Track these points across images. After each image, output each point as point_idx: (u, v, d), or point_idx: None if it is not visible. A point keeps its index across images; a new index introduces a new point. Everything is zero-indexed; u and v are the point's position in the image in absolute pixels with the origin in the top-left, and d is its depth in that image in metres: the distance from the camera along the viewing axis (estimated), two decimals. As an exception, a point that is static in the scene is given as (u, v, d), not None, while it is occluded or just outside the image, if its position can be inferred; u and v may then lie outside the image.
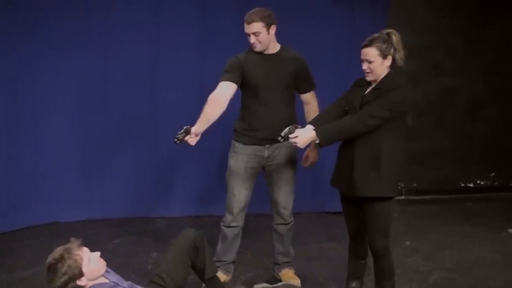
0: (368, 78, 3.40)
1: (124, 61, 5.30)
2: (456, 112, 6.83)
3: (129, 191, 5.51)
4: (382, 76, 3.36)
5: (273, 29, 3.74)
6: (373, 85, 3.41)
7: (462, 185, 6.95)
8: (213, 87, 3.68)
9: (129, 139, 5.42)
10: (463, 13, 6.63)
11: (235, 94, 3.75)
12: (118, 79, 5.33)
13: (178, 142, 3.36)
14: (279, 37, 3.83)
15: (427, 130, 6.72)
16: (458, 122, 6.85)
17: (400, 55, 3.35)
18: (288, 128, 3.39)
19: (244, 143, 3.85)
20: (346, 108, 3.48)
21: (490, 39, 6.77)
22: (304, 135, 3.36)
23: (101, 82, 5.30)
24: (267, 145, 3.85)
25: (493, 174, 7.05)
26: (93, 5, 5.16)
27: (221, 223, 3.97)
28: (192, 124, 3.45)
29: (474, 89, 6.83)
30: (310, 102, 3.97)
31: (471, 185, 6.98)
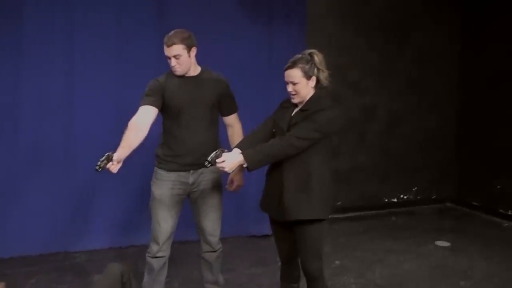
0: (294, 100, 3.33)
1: (37, 85, 5.01)
2: (376, 129, 6.92)
3: (45, 225, 5.19)
4: (308, 97, 3.30)
5: (193, 51, 3.64)
6: (300, 106, 3.33)
7: (386, 200, 7.03)
8: (132, 112, 3.52)
9: (43, 169, 5.12)
10: (379, 32, 6.75)
11: (156, 119, 3.59)
12: (31, 105, 5.03)
13: (99, 169, 3.15)
14: (199, 58, 3.71)
15: (348, 147, 6.77)
16: (378, 138, 6.94)
17: (324, 75, 3.30)
18: (214, 152, 3.27)
19: (168, 170, 3.69)
20: (274, 130, 3.38)
21: (406, 57, 6.92)
22: (231, 159, 3.23)
23: (12, 108, 4.99)
24: (191, 171, 3.71)
25: (415, 188, 7.17)
26: (2, 26, 4.87)
27: (147, 254, 3.78)
28: (114, 151, 3.27)
29: (392, 106, 6.95)
30: (234, 125, 3.87)
31: (395, 199, 7.07)
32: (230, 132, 3.89)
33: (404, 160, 7.07)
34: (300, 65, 3.26)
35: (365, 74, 6.77)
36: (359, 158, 6.84)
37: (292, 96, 3.32)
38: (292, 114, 3.33)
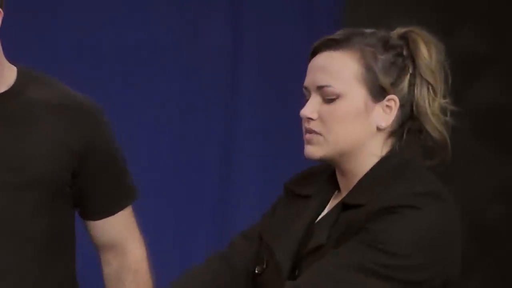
0: (312, 154, 1.17)
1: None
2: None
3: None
4: (368, 160, 1.26)
5: None
6: (345, 194, 1.18)
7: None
8: None
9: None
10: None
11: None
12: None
13: None
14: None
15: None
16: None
17: (434, 108, 1.37)
18: None
19: None
20: (256, 271, 1.19)
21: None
22: None
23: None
24: None
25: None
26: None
27: None
28: None
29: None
30: (120, 250, 1.59)
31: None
32: (107, 269, 1.59)
33: None
34: (361, 45, 1.14)
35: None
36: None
37: (308, 139, 1.16)
38: (317, 220, 1.17)
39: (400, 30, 1.17)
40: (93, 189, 1.52)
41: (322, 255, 1.08)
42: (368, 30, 1.17)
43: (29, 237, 1.44)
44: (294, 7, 3.59)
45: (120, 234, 1.56)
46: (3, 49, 1.45)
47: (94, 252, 1.62)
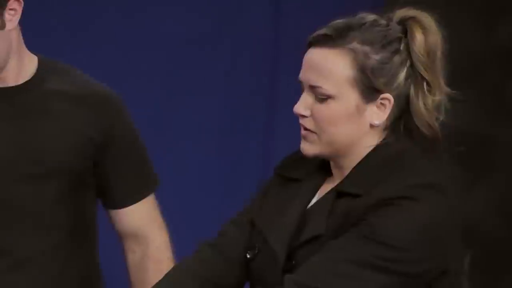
0: (307, 150, 1.16)
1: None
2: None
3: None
4: (359, 152, 1.19)
5: (13, 15, 1.41)
6: (337, 182, 1.16)
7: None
8: None
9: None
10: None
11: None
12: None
13: None
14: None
15: None
16: None
17: (429, 102, 1.20)
18: None
19: None
20: (248, 257, 1.18)
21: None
22: None
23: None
24: None
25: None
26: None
27: None
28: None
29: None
30: (143, 236, 1.60)
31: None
32: (131, 257, 1.60)
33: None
34: (355, 44, 1.10)
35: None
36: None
37: (304, 135, 1.15)
38: (310, 206, 1.15)
39: (401, 14, 1.12)
40: (114, 178, 1.53)
41: (320, 246, 1.07)
42: (368, 19, 1.12)
43: (53, 226, 1.48)
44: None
45: (143, 222, 1.57)
46: (26, 40, 1.48)
47: (117, 241, 1.64)
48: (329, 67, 1.09)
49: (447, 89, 1.11)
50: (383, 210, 1.04)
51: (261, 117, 3.24)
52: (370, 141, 1.12)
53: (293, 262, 1.09)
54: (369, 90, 1.09)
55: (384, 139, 1.12)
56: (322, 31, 1.11)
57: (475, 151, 3.37)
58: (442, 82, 1.10)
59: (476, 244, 3.37)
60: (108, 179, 1.54)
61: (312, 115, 1.11)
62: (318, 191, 1.15)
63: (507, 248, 3.45)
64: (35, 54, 1.50)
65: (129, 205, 1.56)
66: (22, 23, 1.46)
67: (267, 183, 1.23)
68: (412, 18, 1.11)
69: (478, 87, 3.31)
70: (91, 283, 1.56)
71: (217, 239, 1.22)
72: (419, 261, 1.04)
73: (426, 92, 1.10)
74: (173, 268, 1.25)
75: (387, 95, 1.09)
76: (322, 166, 1.17)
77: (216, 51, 3.25)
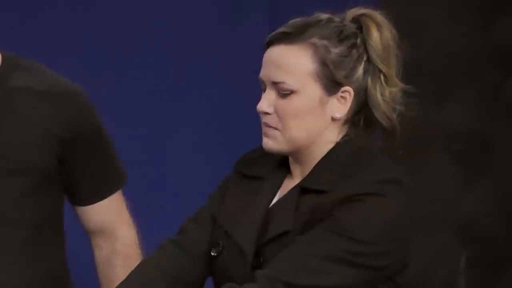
0: (270, 146, 1.18)
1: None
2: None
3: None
4: (323, 147, 1.22)
5: None
6: (301, 178, 1.17)
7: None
8: None
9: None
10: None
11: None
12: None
13: None
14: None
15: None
16: None
17: (386, 93, 1.07)
18: None
19: None
20: (212, 254, 1.18)
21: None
22: None
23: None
24: None
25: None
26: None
27: None
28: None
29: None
30: (108, 234, 1.60)
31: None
32: (99, 253, 1.60)
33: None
34: (314, 39, 1.13)
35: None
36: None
37: (265, 132, 1.16)
38: (273, 203, 1.17)
39: (353, 13, 1.16)
40: (81, 175, 1.49)
41: (288, 242, 1.08)
42: (323, 17, 1.15)
43: (18, 223, 1.42)
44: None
45: (110, 218, 1.54)
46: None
47: (85, 237, 1.61)
48: (291, 62, 1.11)
49: (400, 83, 1.15)
50: (351, 206, 1.06)
51: (258, 116, 3.26)
52: (330, 136, 1.14)
53: (261, 258, 1.10)
54: (331, 83, 1.12)
55: (345, 134, 1.14)
56: (281, 29, 1.14)
57: (473, 150, 3.47)
58: (395, 75, 1.14)
59: (473, 242, 3.46)
60: (75, 176, 1.49)
61: (275, 112, 1.13)
62: (280, 189, 1.17)
63: (505, 246, 3.48)
64: None
65: (96, 202, 1.52)
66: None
67: (227, 179, 1.24)
68: (364, 15, 1.15)
69: (476, 87, 3.36)
70: (58, 280, 1.52)
71: (179, 236, 1.22)
72: (387, 254, 1.07)
73: (384, 84, 1.13)
74: (140, 264, 1.25)
75: (348, 87, 1.12)
76: (282, 163, 1.19)
77: (213, 51, 3.28)
